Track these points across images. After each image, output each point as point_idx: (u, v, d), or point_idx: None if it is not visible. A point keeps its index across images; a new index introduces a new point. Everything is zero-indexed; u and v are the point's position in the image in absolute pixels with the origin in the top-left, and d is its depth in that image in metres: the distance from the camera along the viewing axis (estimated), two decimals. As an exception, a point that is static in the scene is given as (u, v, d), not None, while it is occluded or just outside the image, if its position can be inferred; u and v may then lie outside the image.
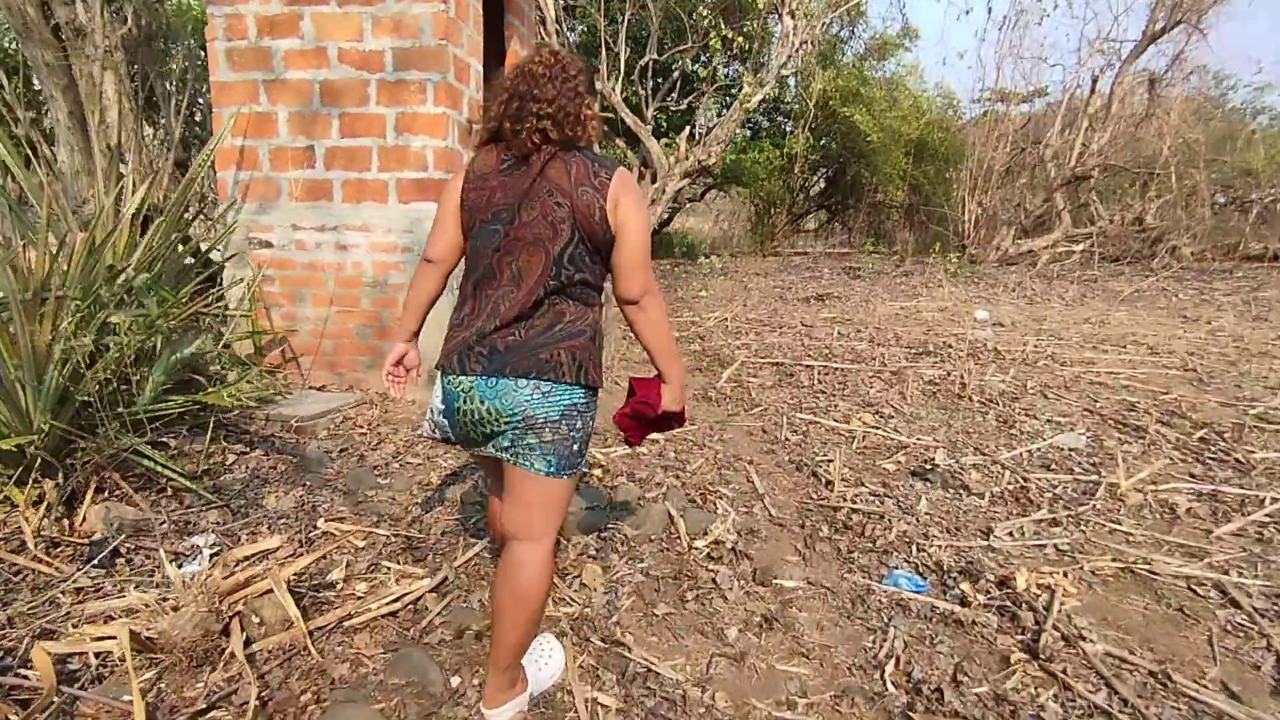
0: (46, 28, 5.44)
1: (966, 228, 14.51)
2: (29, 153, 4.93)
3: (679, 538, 2.74)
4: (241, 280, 4.27)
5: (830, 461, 3.41)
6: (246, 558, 2.38)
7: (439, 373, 1.75)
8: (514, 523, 1.74)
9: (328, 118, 4.06)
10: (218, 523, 2.73)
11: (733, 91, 15.54)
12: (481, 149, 1.76)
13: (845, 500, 3.09)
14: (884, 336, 6.59)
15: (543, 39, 10.75)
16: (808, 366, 5.41)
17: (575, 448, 1.71)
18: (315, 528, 2.70)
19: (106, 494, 2.76)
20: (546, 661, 1.93)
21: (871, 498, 3.14)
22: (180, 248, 4.05)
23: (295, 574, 2.23)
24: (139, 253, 3.48)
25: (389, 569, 2.44)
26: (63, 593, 2.21)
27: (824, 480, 3.32)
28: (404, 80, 3.96)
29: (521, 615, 1.69)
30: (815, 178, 18.13)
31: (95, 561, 2.34)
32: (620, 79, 12.95)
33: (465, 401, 1.67)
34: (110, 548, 2.42)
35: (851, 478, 3.35)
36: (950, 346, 6.00)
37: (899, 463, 3.54)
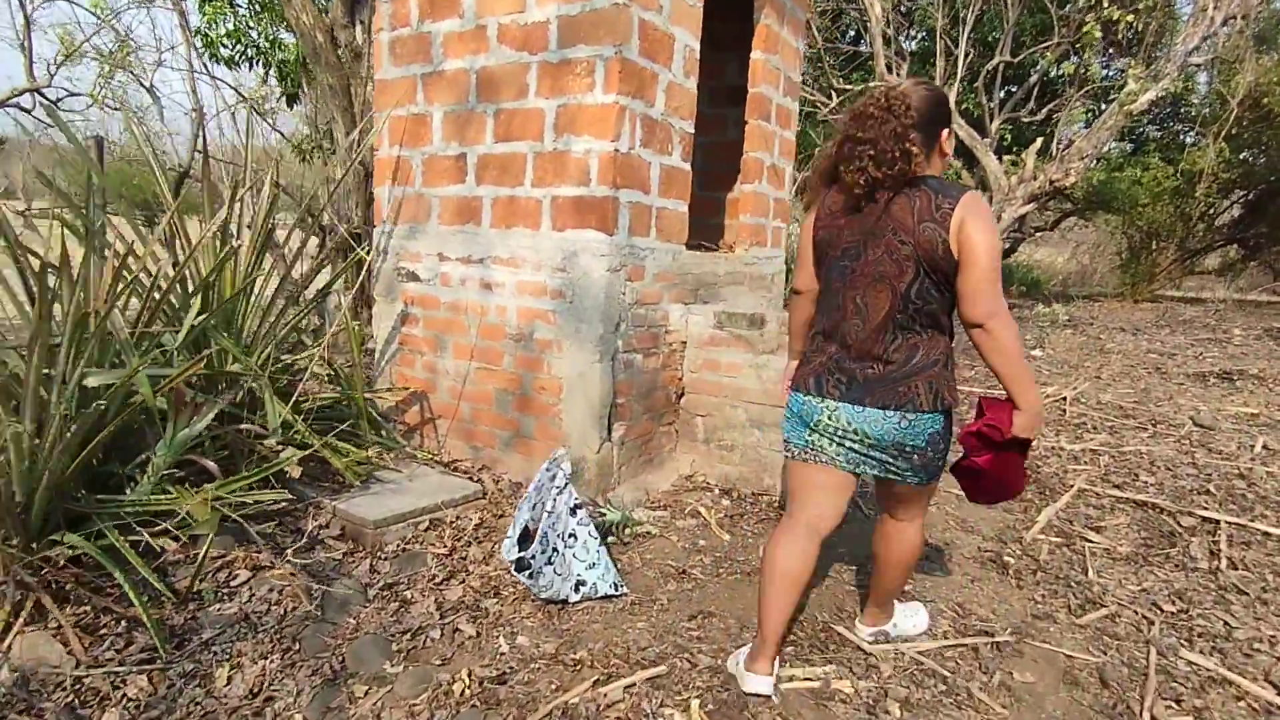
0: (334, 52, 5.39)
1: None
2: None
3: None
4: (394, 319, 3.52)
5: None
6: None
7: (793, 390, 1.97)
8: (896, 508, 2.04)
9: (482, 117, 3.10)
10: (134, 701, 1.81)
11: (1110, 96, 12.25)
12: (832, 186, 1.88)
13: None
14: (1363, 470, 3.89)
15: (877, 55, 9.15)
16: (1205, 520, 3.17)
17: (940, 461, 1.90)
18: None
19: (67, 607, 2.02)
20: (914, 614, 2.29)
21: None
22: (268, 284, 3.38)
23: None
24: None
25: None
26: None
27: None
28: (568, 60, 2.83)
29: (901, 570, 2.10)
30: (1226, 203, 13.68)
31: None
32: (957, 87, 10.76)
33: (829, 417, 1.86)
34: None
35: None
36: None
37: None
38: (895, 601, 2.26)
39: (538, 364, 3.07)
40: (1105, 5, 8.48)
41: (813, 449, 1.91)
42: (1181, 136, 14.14)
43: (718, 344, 3.33)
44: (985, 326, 1.69)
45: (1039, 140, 9.63)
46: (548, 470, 2.34)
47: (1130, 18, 8.37)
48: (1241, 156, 12.58)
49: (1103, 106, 12.21)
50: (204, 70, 7.79)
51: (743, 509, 3.14)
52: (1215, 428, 4.68)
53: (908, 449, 1.81)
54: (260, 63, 8.66)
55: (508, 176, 3.07)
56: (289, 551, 2.48)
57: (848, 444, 1.86)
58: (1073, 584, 2.62)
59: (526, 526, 2.31)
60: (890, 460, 1.85)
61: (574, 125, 2.86)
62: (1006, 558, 2.81)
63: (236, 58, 8.44)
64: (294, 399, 2.80)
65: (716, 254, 3.71)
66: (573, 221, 2.91)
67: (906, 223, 1.71)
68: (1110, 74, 13.17)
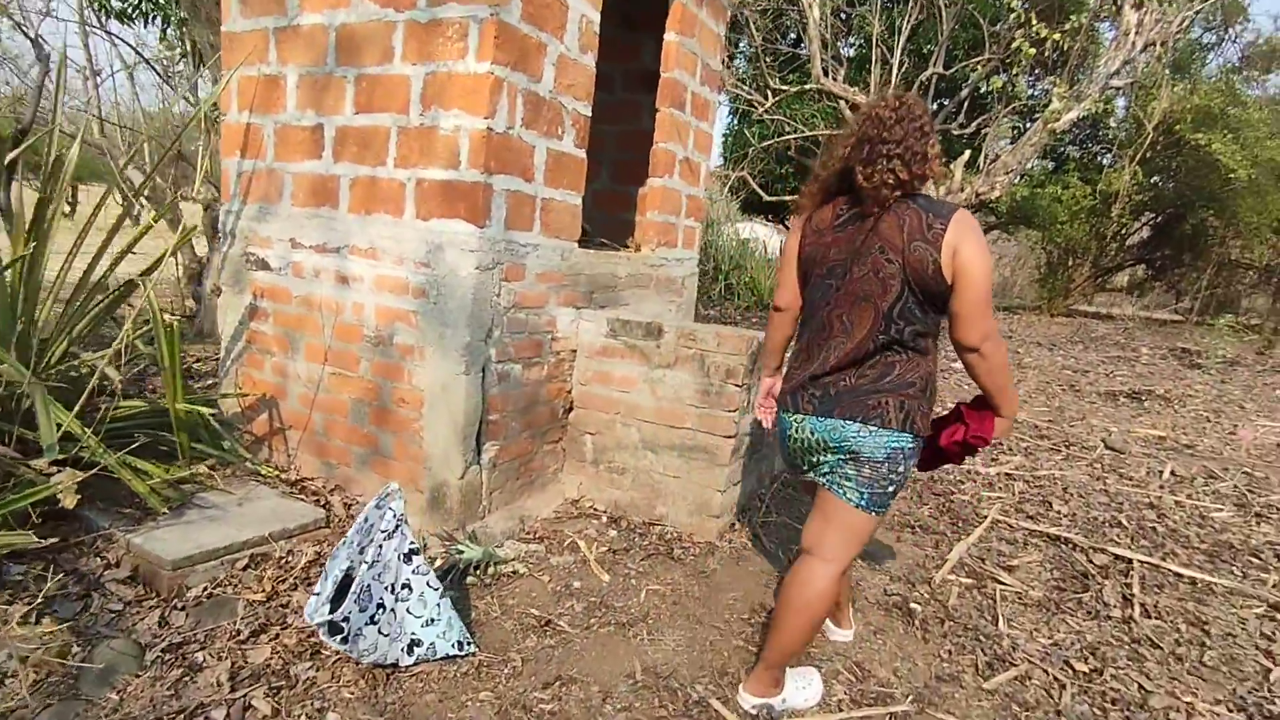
0: (215, 7, 4.81)
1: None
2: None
3: None
4: (241, 312, 3.04)
5: None
6: None
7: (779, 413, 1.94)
8: (814, 537, 1.87)
9: (342, 83, 2.66)
10: None
11: (1035, 114, 12.46)
12: (820, 204, 1.85)
13: None
14: (1266, 495, 3.83)
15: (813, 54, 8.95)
16: (1118, 558, 3.00)
17: (890, 489, 1.79)
18: None
19: None
20: (806, 685, 1.99)
21: None
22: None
23: None
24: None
25: None
26: None
27: None
28: (438, 21, 2.43)
29: (799, 622, 1.83)
30: (1137, 224, 14.16)
31: None
32: (892, 86, 10.72)
33: (796, 430, 1.86)
34: None
35: None
36: None
37: None
38: (788, 667, 1.97)
39: (398, 372, 2.66)
40: (1034, 23, 8.50)
41: (794, 466, 1.96)
42: (1099, 158, 14.55)
43: (610, 355, 2.98)
44: (981, 350, 1.69)
45: (967, 153, 9.65)
46: (377, 508, 1.94)
47: (1057, 36, 8.40)
48: (1153, 180, 13.00)
49: (1028, 125, 12.42)
50: (97, 24, 7.01)
51: (630, 542, 2.80)
52: (1125, 451, 4.60)
53: (861, 458, 1.76)
54: (159, 18, 7.86)
55: (369, 154, 2.64)
56: (73, 589, 2.01)
57: (812, 459, 1.87)
58: (982, 636, 2.37)
59: (349, 574, 1.91)
60: (838, 464, 1.81)
61: (443, 97, 2.45)
62: (914, 604, 2.55)
63: (130, 11, 7.64)
64: (87, 408, 2.31)
65: (617, 254, 3.36)
66: (439, 209, 2.50)
67: (895, 241, 1.67)
68: (1036, 93, 13.42)
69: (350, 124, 2.66)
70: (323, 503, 2.73)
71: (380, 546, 1.87)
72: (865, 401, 1.73)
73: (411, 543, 1.93)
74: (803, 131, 12.41)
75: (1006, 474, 4.04)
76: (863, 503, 1.78)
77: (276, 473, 2.91)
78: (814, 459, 1.86)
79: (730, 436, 2.79)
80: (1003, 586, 2.71)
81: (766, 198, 13.98)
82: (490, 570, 2.44)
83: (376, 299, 2.67)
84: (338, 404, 2.83)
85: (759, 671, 1.92)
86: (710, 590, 2.51)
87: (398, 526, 1.89)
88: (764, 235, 15.11)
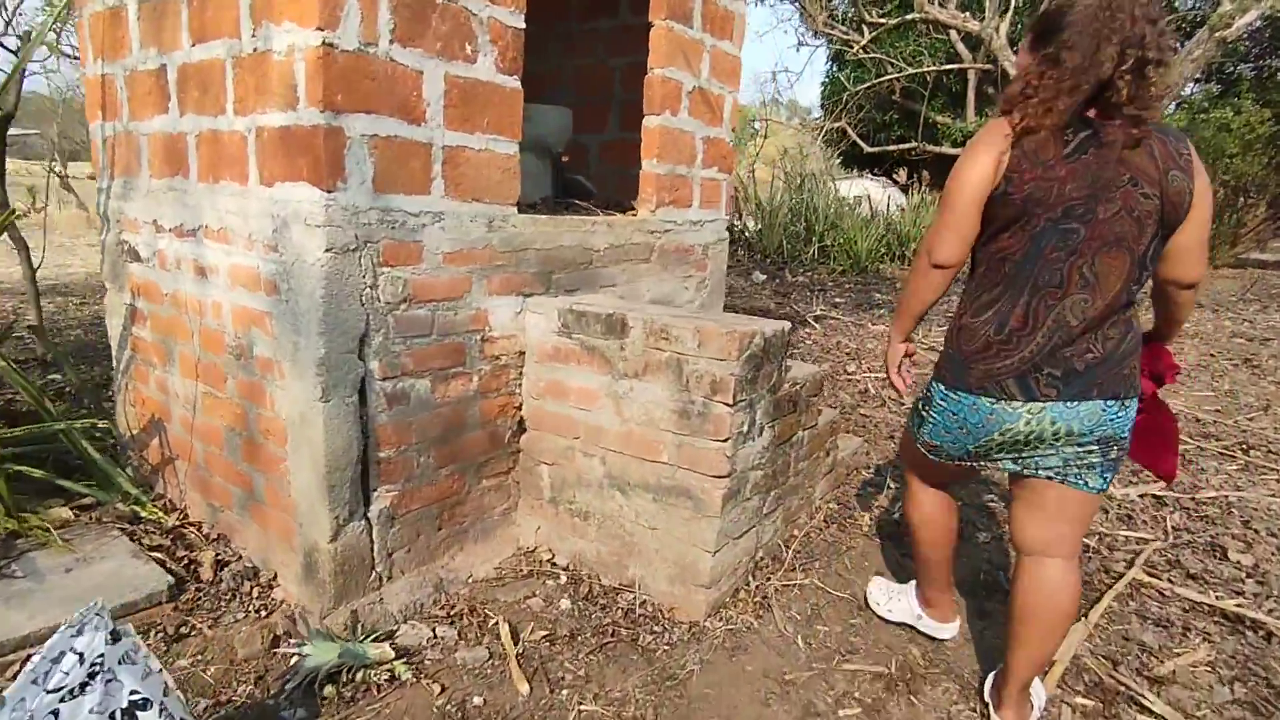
0: None
1: None
2: None
3: None
4: (123, 314, 2.47)
5: None
6: None
7: (960, 394, 1.59)
8: (1044, 536, 1.62)
9: (178, 4, 1.97)
10: None
11: (1195, 24, 10.39)
12: (1031, 126, 1.42)
13: None
14: None
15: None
16: (1343, 658, 1.93)
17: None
18: None
19: None
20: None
21: None
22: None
23: None
24: None
25: None
26: None
27: None
28: (257, -107, 1.68)
29: (1059, 634, 1.62)
30: (1334, 153, 11.70)
31: None
32: (1011, 11, 9.21)
33: (1027, 424, 1.52)
34: None
35: None
36: None
37: None
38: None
39: (260, 394, 1.98)
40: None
41: (968, 458, 1.67)
42: (1281, 74, 12.16)
43: (564, 358, 2.19)
44: (1197, 285, 1.54)
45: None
46: (74, 632, 1.25)
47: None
48: (1357, 97, 10.67)
49: (1183, 41, 10.39)
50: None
51: (583, 619, 2.02)
52: (1337, 460, 3.36)
53: (1113, 440, 1.52)
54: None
55: (208, 100, 1.94)
56: None
57: (1027, 452, 1.57)
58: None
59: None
60: (1076, 456, 1.53)
61: (272, 6, 1.71)
62: (993, 746, 1.64)
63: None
64: None
65: (590, 219, 2.52)
66: (281, 170, 1.77)
67: (1150, 171, 1.40)
68: (1196, 1, 11.28)
69: (189, 59, 1.98)
70: (187, 563, 2.11)
71: (76, 701, 1.18)
72: (1121, 373, 1.49)
73: (134, 691, 1.23)
74: (906, 70, 10.94)
75: (1154, 497, 2.95)
76: (1105, 484, 1.56)
77: (159, 515, 2.32)
78: (1033, 451, 1.55)
79: (722, 476, 1.95)
80: (1146, 709, 1.74)
81: (867, 149, 12.58)
82: (359, 677, 1.74)
83: (231, 297, 1.99)
84: (213, 431, 2.20)
85: (1016, 697, 1.66)
86: (677, 715, 1.70)
87: (94, 674, 1.20)
88: (875, 192, 13.65)
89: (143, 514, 2.32)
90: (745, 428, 1.99)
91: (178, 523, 2.31)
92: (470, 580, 2.17)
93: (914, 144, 11.97)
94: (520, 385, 2.29)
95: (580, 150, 3.52)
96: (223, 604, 1.98)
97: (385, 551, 2.00)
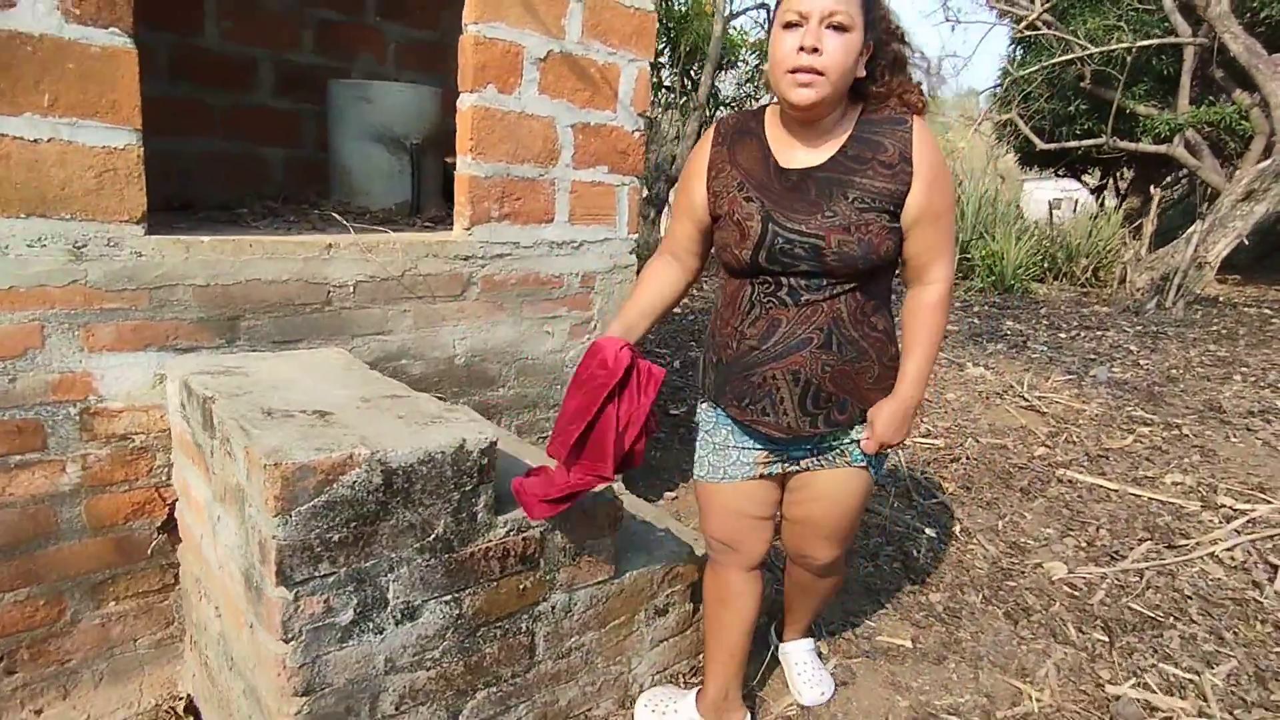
0: None
1: None
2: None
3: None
4: None
5: None
6: None
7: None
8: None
9: None
10: None
11: None
12: None
13: None
14: None
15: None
16: None
17: None
18: None
19: None
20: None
21: None
22: None
23: None
24: None
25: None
26: None
27: None
28: None
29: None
30: None
31: None
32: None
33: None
34: None
35: None
36: None
37: None
38: None
39: None
40: None
41: None
42: None
43: (183, 448, 1.49)
44: None
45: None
46: None
47: None
48: None
49: None
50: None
51: None
52: None
53: None
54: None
55: None
56: None
57: None
58: None
59: None
60: None
61: None
62: None
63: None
64: None
65: (324, 238, 1.76)
66: None
67: None
68: None
69: None
70: None
71: None
72: None
73: None
74: (1092, 50, 9.01)
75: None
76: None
77: None
78: None
79: (298, 695, 1.15)
80: None
81: (1041, 145, 10.63)
82: None
83: None
84: None
85: None
86: None
87: None
88: (1078, 196, 11.49)
89: None
90: (346, 616, 1.18)
91: None
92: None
93: (1102, 139, 9.90)
94: (168, 474, 1.62)
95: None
96: None
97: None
